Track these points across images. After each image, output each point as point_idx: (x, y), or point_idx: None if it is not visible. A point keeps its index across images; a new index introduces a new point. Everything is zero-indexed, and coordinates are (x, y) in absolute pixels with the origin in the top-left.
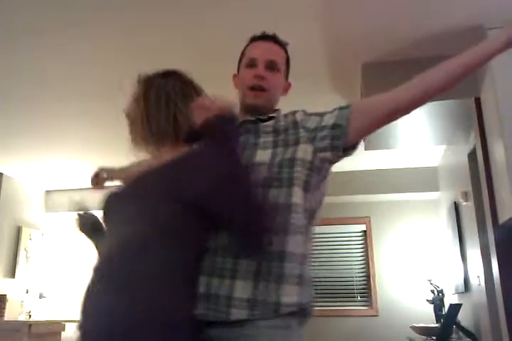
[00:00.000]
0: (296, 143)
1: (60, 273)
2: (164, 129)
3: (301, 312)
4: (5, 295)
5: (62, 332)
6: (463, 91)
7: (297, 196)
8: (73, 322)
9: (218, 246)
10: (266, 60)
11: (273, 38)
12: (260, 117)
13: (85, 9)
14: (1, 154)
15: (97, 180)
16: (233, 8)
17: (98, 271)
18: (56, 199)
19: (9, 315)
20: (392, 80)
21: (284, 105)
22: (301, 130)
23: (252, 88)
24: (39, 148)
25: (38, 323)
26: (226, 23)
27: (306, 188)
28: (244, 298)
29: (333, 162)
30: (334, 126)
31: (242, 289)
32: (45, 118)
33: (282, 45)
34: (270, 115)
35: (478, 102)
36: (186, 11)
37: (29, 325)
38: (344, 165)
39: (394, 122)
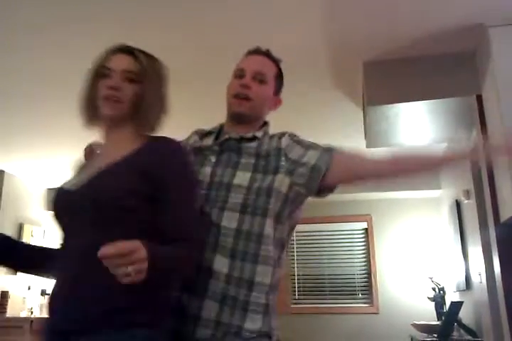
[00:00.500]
0: (276, 172)
1: None
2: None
3: (264, 338)
4: (7, 291)
5: None
6: (464, 89)
7: (270, 227)
8: None
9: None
10: (254, 71)
11: (266, 53)
12: (244, 136)
13: (85, 4)
14: (2, 152)
15: (92, 155)
16: (234, 6)
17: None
18: None
19: (11, 311)
20: (393, 78)
21: (289, 104)
22: (283, 158)
23: (236, 96)
24: (40, 146)
25: (39, 319)
26: (227, 22)
27: (278, 220)
28: (210, 319)
29: (307, 197)
30: (314, 168)
31: (209, 309)
32: (45, 116)
33: (275, 61)
34: (255, 134)
35: (479, 100)
36: (187, 7)
37: (31, 321)
38: None
39: (395, 120)
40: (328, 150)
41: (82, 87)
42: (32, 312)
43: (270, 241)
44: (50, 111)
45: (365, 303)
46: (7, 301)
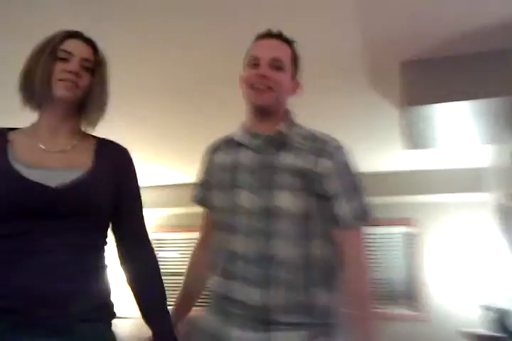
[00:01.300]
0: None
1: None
2: None
3: None
4: None
5: None
6: (507, 89)
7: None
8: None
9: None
10: (269, 58)
11: (279, 36)
12: (272, 136)
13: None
14: None
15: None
16: (268, 7)
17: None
18: None
19: None
20: (432, 77)
21: (324, 105)
22: (315, 177)
23: (254, 87)
24: None
25: None
26: (262, 23)
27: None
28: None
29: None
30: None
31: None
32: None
33: (288, 43)
34: (281, 130)
35: None
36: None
37: None
38: (383, 164)
39: (434, 121)
40: (356, 219)
41: (26, 64)
42: None
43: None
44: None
45: (410, 309)
46: None
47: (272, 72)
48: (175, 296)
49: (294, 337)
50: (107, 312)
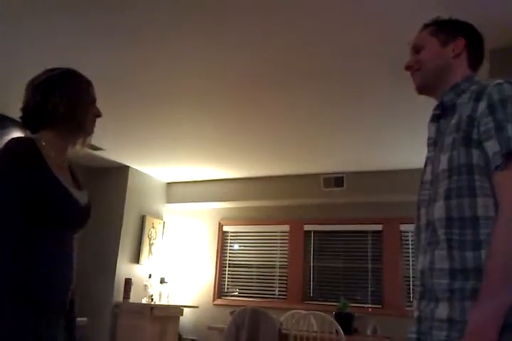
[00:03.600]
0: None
1: (179, 261)
2: None
3: None
4: (130, 278)
5: (181, 317)
6: None
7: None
8: (190, 308)
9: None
10: (411, 48)
11: (421, 28)
12: (435, 111)
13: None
14: (126, 149)
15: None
16: (371, 6)
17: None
18: (176, 191)
19: (133, 298)
20: None
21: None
22: (475, 131)
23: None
24: (164, 145)
25: (159, 307)
26: (370, 22)
27: None
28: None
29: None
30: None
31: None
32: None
33: (428, 25)
34: (443, 99)
35: None
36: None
37: (151, 308)
38: None
39: None
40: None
41: (71, 101)
42: (152, 299)
43: None
44: (172, 116)
45: None
46: (130, 288)
47: (413, 56)
48: (239, 286)
49: None
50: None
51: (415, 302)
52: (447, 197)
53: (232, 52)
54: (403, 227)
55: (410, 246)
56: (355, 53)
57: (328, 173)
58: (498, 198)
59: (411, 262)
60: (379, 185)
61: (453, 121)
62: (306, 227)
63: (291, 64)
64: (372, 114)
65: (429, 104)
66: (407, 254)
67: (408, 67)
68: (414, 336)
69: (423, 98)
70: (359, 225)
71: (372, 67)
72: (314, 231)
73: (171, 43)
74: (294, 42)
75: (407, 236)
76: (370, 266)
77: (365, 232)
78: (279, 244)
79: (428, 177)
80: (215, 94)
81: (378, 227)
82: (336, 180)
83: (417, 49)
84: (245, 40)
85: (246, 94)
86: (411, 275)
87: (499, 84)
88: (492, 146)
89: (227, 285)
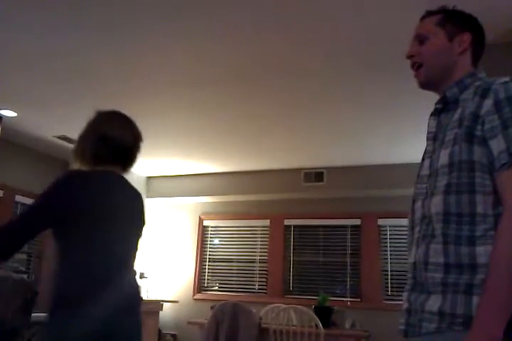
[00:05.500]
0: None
1: (159, 255)
2: None
3: None
4: None
5: (160, 312)
6: None
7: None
8: (170, 302)
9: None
10: (413, 36)
11: (424, 16)
12: (437, 106)
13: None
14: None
15: None
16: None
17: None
18: (156, 185)
19: None
20: None
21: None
22: (479, 127)
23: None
24: (144, 139)
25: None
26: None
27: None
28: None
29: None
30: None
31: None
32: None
33: (434, 13)
34: (446, 94)
35: None
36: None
37: None
38: None
39: None
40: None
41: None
42: None
43: None
44: (152, 106)
45: None
46: None
47: (415, 48)
48: (219, 281)
49: None
50: None
51: (405, 294)
52: (446, 192)
53: (218, 47)
54: (381, 222)
55: (388, 241)
56: (339, 53)
57: (308, 168)
58: (504, 196)
59: (389, 256)
60: (358, 181)
61: (455, 116)
62: (287, 222)
63: (276, 61)
64: (352, 111)
65: (409, 101)
66: (384, 248)
67: (410, 57)
68: (402, 327)
69: (403, 95)
70: (338, 220)
71: (355, 66)
72: (294, 226)
73: (149, 38)
74: (281, 37)
75: (385, 230)
76: (349, 260)
77: (344, 227)
78: (259, 239)
79: (426, 171)
80: (196, 89)
81: (357, 222)
82: (316, 175)
83: (420, 39)
84: (231, 35)
85: (229, 89)
86: (389, 269)
87: (506, 82)
88: (497, 144)
89: (208, 279)
